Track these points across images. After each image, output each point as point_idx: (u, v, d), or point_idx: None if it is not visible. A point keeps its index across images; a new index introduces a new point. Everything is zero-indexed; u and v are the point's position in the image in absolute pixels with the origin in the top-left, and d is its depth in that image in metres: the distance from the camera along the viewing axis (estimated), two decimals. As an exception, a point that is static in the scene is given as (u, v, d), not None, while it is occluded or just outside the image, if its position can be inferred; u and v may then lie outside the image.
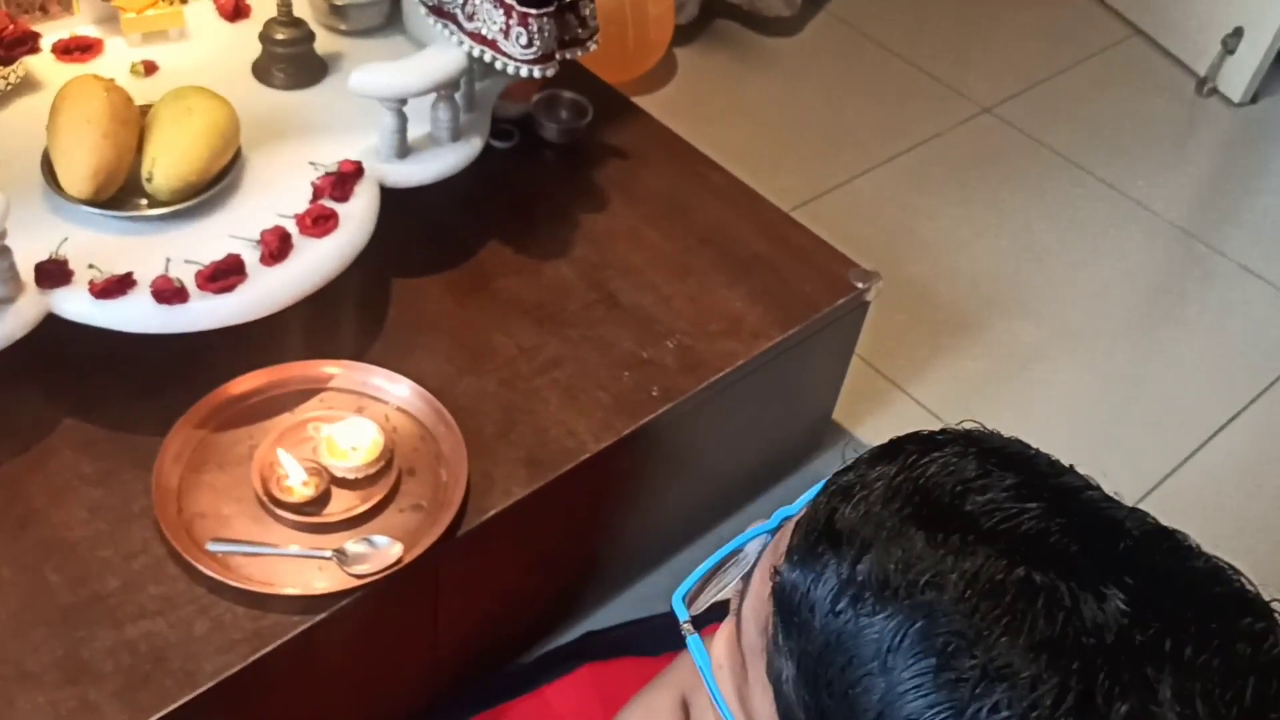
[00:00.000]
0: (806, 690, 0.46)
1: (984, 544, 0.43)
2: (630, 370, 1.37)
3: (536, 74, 1.31)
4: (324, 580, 1.13)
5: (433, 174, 1.37)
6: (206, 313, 1.17)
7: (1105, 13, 2.80)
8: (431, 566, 1.18)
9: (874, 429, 1.82)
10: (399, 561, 1.14)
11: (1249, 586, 0.44)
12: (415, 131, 1.36)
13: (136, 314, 1.16)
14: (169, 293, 1.16)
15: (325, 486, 1.19)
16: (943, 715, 0.41)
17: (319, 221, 1.25)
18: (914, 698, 0.42)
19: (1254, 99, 2.59)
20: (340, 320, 1.36)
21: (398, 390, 1.28)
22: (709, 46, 2.55)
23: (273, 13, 1.44)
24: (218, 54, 1.49)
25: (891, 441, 0.50)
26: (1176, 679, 0.40)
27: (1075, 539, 0.44)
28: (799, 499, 0.57)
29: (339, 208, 1.28)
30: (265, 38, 1.44)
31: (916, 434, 0.50)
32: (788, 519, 0.57)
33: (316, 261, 1.24)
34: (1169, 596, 0.42)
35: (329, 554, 1.14)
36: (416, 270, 1.45)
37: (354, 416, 1.24)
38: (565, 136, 1.64)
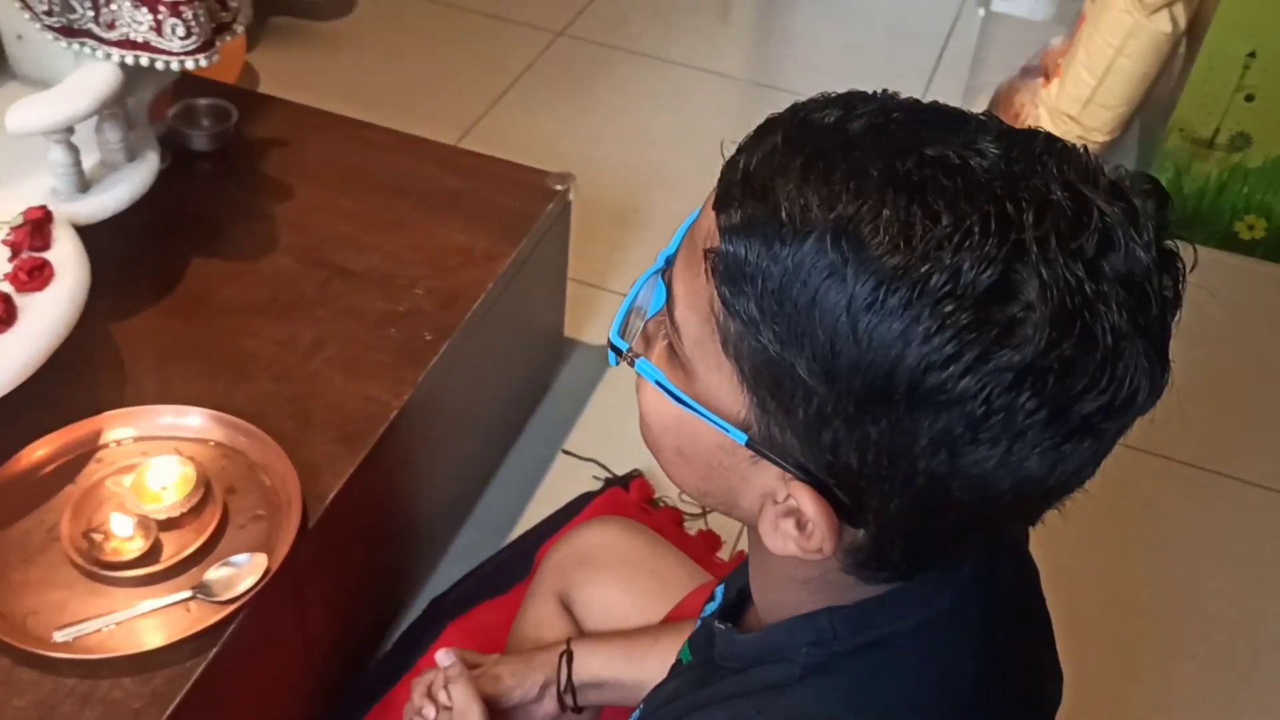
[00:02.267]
0: (772, 323, 0.52)
1: (875, 156, 0.51)
2: (394, 326, 1.36)
3: (203, 63, 1.25)
4: (201, 616, 1.06)
5: (124, 199, 1.28)
6: (-43, 399, 1.05)
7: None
8: (293, 569, 1.13)
9: (598, 333, 1.90)
10: (268, 570, 1.09)
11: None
12: (85, 163, 1.27)
13: (-126, 427, 1.02)
14: (-93, 392, 1.03)
15: (155, 534, 1.11)
16: (897, 283, 0.49)
17: (34, 273, 1.15)
18: (865, 278, 0.49)
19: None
20: (73, 383, 1.25)
21: (187, 420, 1.20)
22: (276, 44, 2.50)
23: None
24: None
25: (766, 121, 0.55)
26: (1062, 172, 0.51)
27: (936, 124, 0.53)
28: (676, 235, 0.63)
29: (46, 256, 1.17)
30: None
31: (788, 110, 0.55)
32: (669, 257, 0.63)
33: (51, 312, 1.14)
34: (1011, 138, 0.53)
35: (190, 594, 1.07)
36: (128, 311, 1.35)
37: (148, 459, 1.16)
38: (215, 142, 1.58)
